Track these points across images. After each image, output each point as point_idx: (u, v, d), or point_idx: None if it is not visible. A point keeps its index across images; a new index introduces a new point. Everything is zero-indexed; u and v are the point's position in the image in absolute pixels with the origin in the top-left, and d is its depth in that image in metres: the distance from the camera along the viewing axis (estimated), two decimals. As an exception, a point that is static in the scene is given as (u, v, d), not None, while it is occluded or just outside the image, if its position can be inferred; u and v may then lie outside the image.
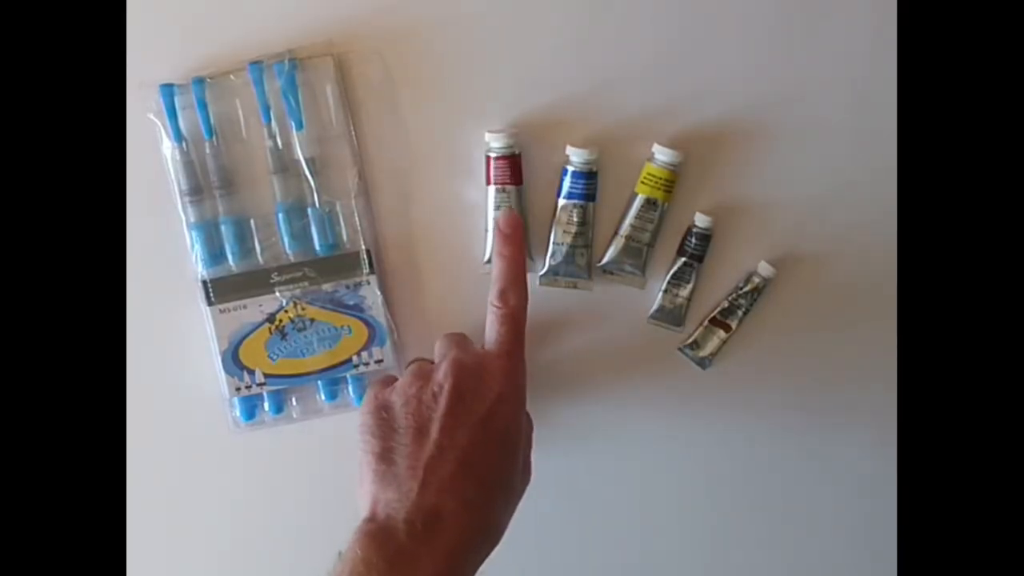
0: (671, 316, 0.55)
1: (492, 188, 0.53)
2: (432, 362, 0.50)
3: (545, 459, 0.52)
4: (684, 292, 0.54)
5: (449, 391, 0.46)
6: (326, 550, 0.58)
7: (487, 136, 0.52)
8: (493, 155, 0.52)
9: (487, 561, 0.46)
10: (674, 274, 0.54)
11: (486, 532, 0.46)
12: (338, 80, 0.52)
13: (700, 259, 0.54)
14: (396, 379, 0.50)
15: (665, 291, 0.54)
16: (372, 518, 0.45)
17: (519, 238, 0.50)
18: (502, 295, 0.49)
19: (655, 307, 0.55)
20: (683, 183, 0.54)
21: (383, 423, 0.47)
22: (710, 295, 0.55)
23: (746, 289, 0.54)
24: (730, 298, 0.54)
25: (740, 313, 0.54)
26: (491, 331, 0.49)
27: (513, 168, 0.52)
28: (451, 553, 0.43)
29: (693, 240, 0.54)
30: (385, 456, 0.46)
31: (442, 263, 0.55)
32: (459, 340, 0.51)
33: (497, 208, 0.53)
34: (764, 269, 0.54)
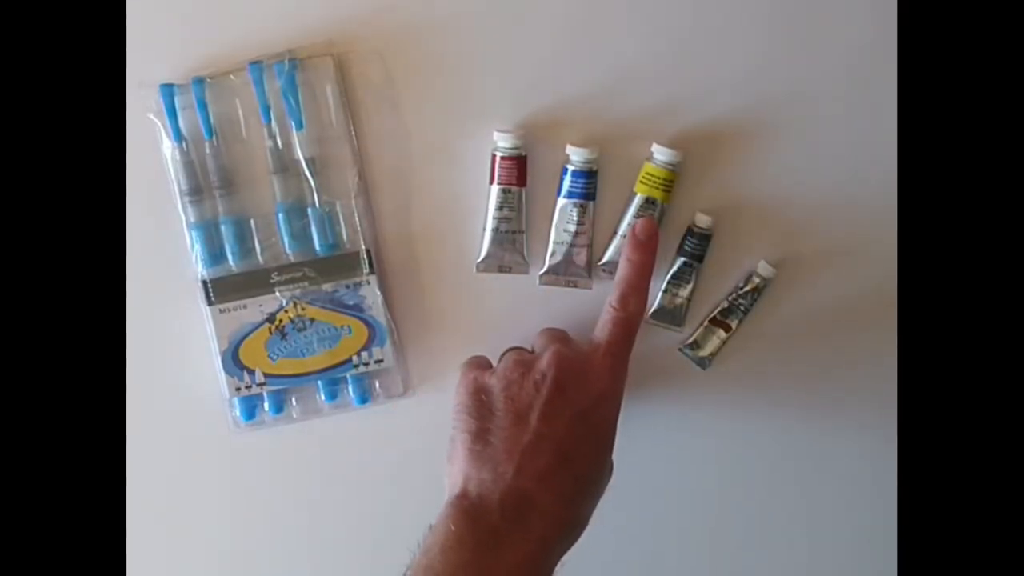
0: (671, 316, 0.55)
1: (496, 187, 0.53)
2: (531, 352, 0.51)
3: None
4: (684, 292, 0.54)
5: (552, 381, 0.46)
6: (326, 549, 0.58)
7: (495, 135, 0.52)
8: (500, 155, 0.52)
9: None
10: (674, 274, 0.54)
11: (573, 525, 0.46)
12: (338, 80, 0.52)
13: (700, 259, 0.54)
14: (490, 363, 0.51)
15: (665, 291, 0.54)
16: (464, 495, 0.45)
17: (653, 247, 0.50)
18: (623, 299, 0.49)
19: (655, 307, 0.55)
20: (682, 183, 0.54)
21: (481, 405, 0.47)
22: (710, 295, 0.55)
23: (746, 289, 0.54)
24: (730, 298, 0.54)
25: (740, 313, 0.54)
26: (603, 330, 0.49)
27: (519, 169, 0.52)
28: (540, 540, 0.44)
29: (693, 240, 0.54)
30: (481, 436, 0.46)
31: (442, 263, 0.55)
32: (562, 335, 0.51)
33: (499, 208, 0.53)
34: (764, 269, 0.54)
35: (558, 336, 0.51)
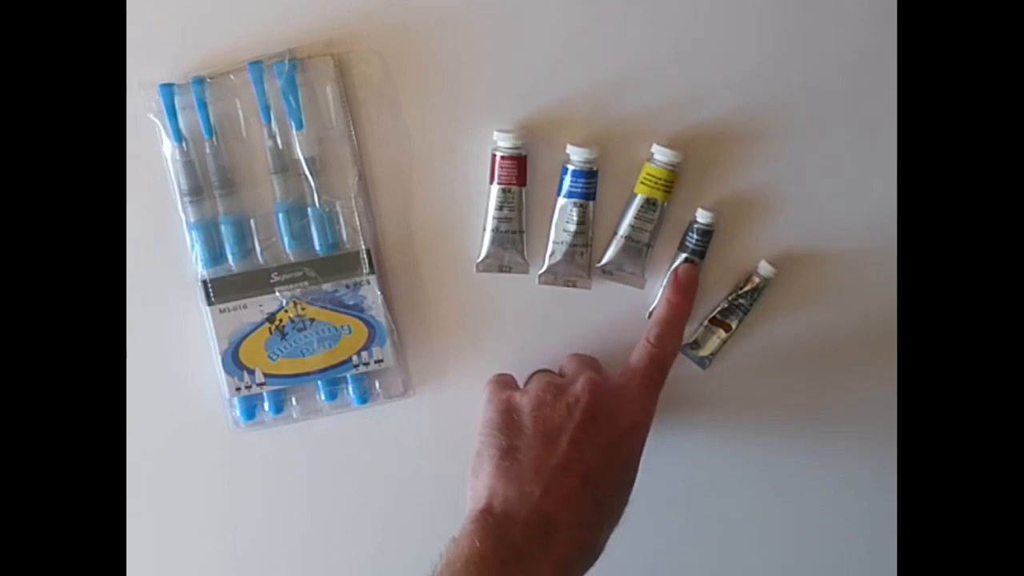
0: None
1: (496, 187, 0.53)
2: (560, 375, 0.52)
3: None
4: None
5: (585, 406, 0.47)
6: (326, 550, 0.58)
7: (495, 135, 0.52)
8: (500, 154, 0.52)
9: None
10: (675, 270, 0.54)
11: (591, 552, 0.46)
12: (338, 80, 0.52)
13: (701, 255, 0.54)
14: (516, 381, 0.51)
15: (666, 287, 0.54)
16: (489, 510, 0.45)
17: (693, 292, 0.52)
18: (661, 338, 0.51)
19: (656, 302, 0.55)
20: (683, 183, 0.54)
21: (512, 423, 0.48)
22: (711, 292, 0.55)
23: (746, 289, 0.54)
24: (730, 298, 0.54)
25: (740, 313, 0.54)
26: (638, 364, 0.50)
27: (519, 169, 0.52)
28: (559, 563, 0.44)
29: (694, 236, 0.53)
30: (510, 453, 0.46)
31: (442, 263, 0.55)
32: (594, 362, 0.52)
33: (499, 208, 0.53)
34: (764, 269, 0.54)
35: (590, 363, 0.52)
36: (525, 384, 0.52)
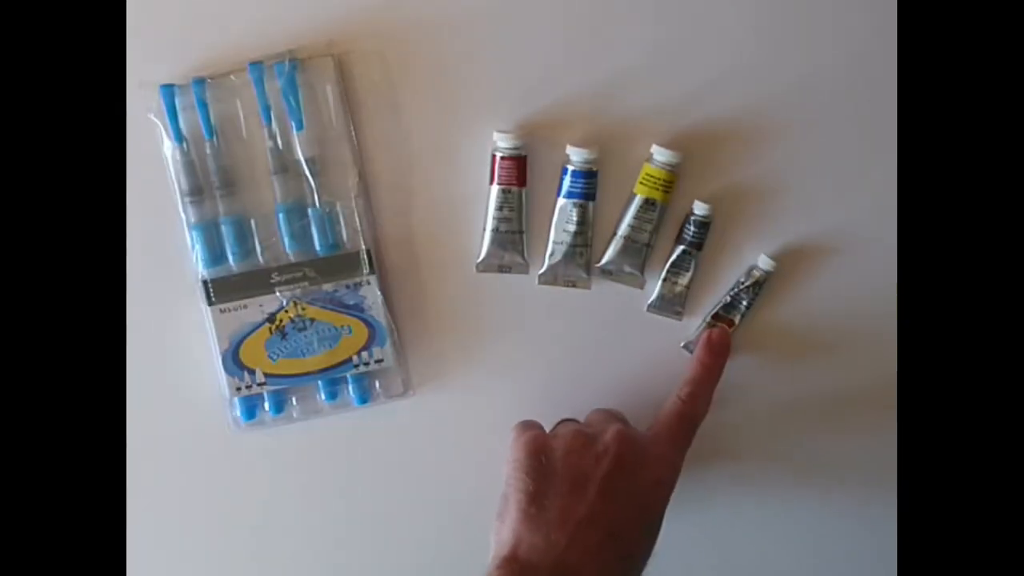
0: (670, 305, 0.55)
1: (496, 188, 0.53)
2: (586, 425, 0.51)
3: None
4: (683, 280, 0.54)
5: (614, 457, 0.47)
6: (326, 550, 0.58)
7: (495, 135, 0.52)
8: (500, 155, 0.52)
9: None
10: (673, 262, 0.54)
11: None
12: (338, 80, 0.52)
13: (699, 247, 0.54)
14: (541, 426, 0.51)
15: (664, 279, 0.54)
16: (514, 558, 0.45)
17: (725, 356, 0.53)
18: (692, 397, 0.51)
19: (654, 296, 0.55)
20: (682, 183, 0.54)
21: (540, 466, 0.47)
22: (710, 285, 0.55)
23: (747, 283, 0.54)
24: (731, 293, 0.54)
25: (742, 308, 0.54)
26: (667, 420, 0.51)
27: (519, 169, 0.52)
28: None
29: (692, 228, 0.54)
30: (537, 499, 0.46)
31: (442, 263, 0.55)
32: (621, 416, 0.52)
33: (499, 208, 0.53)
34: (764, 262, 0.54)
35: (618, 416, 0.52)
36: (552, 431, 0.52)
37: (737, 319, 0.55)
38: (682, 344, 0.56)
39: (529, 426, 0.51)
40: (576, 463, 0.47)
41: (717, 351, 0.53)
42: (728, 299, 0.54)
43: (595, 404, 0.55)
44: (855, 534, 0.58)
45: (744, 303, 0.54)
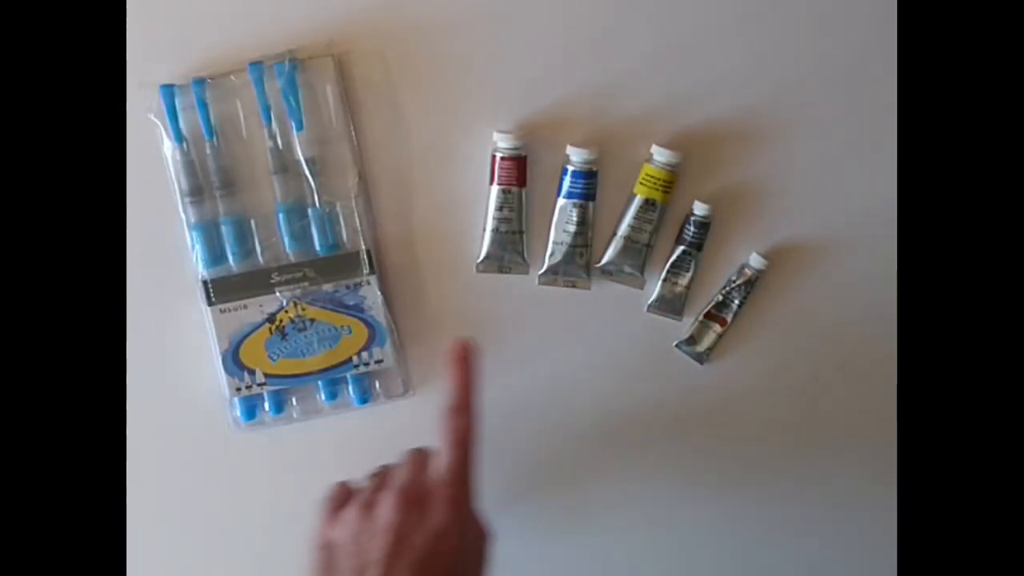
0: (670, 305, 0.55)
1: (496, 188, 0.53)
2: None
3: (544, 459, 0.52)
4: (683, 281, 0.54)
5: (387, 530, 0.45)
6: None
7: (495, 136, 0.52)
8: (500, 155, 0.52)
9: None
10: (673, 263, 0.54)
11: None
12: (338, 80, 0.52)
13: (699, 247, 0.54)
14: (350, 492, 0.49)
15: (664, 280, 0.54)
16: None
17: (471, 363, 0.49)
18: (450, 414, 0.48)
19: (654, 296, 0.55)
20: (682, 183, 0.54)
21: (326, 565, 0.46)
22: (709, 286, 0.55)
23: (739, 282, 0.54)
24: (723, 291, 0.54)
25: (735, 306, 0.54)
26: (442, 454, 0.47)
27: (519, 169, 0.52)
28: None
29: (691, 228, 0.54)
30: None
31: (442, 263, 0.55)
32: (416, 459, 0.49)
33: (499, 209, 0.53)
34: (755, 261, 0.54)
35: (413, 460, 0.49)
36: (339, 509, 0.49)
37: (729, 318, 0.55)
38: (675, 344, 0.56)
39: (328, 509, 0.49)
40: (356, 551, 0.45)
41: (460, 362, 0.49)
42: (720, 297, 0.54)
43: (595, 404, 0.55)
44: (855, 534, 0.58)
45: (736, 302, 0.54)
